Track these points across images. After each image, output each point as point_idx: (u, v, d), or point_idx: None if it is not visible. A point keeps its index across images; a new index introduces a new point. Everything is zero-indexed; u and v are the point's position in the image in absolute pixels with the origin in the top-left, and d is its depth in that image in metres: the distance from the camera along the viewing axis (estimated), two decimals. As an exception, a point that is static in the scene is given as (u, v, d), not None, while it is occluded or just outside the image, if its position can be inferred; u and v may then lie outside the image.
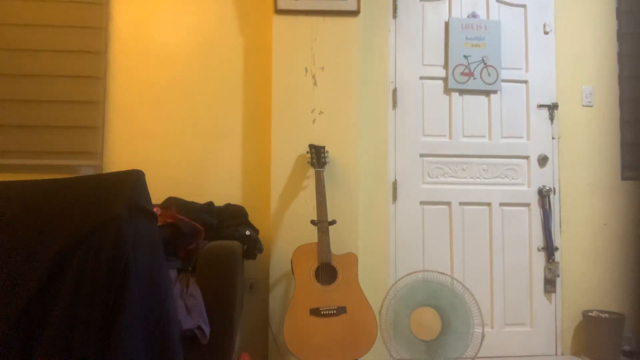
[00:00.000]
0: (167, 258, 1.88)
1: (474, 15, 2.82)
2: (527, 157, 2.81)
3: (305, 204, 2.48)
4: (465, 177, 2.78)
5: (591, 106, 2.87)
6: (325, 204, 2.28)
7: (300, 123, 2.51)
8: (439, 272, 2.05)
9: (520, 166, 2.81)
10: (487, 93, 2.81)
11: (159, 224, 1.90)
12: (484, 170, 2.79)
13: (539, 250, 2.76)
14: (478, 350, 1.95)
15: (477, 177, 2.78)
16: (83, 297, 0.85)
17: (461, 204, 2.75)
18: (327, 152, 2.47)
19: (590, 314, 2.68)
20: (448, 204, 2.75)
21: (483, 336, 1.93)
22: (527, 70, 2.84)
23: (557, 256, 2.76)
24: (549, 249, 2.75)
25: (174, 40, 2.65)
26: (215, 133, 2.64)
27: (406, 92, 2.77)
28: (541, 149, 2.81)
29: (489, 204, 2.77)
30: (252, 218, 2.45)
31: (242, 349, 2.51)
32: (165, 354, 0.98)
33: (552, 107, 2.83)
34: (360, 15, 2.59)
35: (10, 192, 1.03)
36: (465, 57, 2.78)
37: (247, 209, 2.44)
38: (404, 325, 2.05)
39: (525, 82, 2.84)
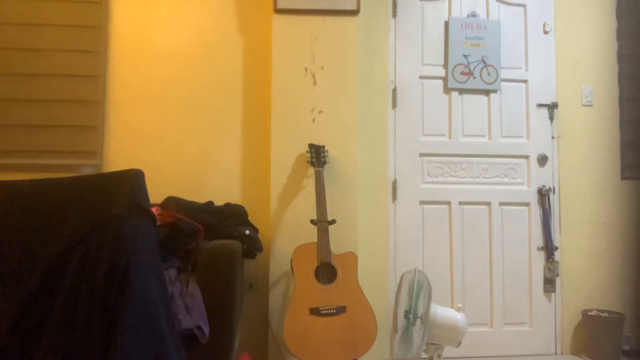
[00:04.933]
0: (166, 257, 1.88)
1: (473, 15, 2.82)
2: (526, 157, 2.81)
3: (305, 204, 2.48)
4: (464, 177, 2.78)
5: (591, 106, 2.87)
6: (325, 203, 2.27)
7: (300, 122, 2.51)
8: (418, 269, 2.11)
9: (519, 166, 2.81)
10: (486, 92, 2.81)
11: (158, 223, 1.90)
12: (483, 169, 2.79)
13: (538, 249, 2.76)
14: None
15: (476, 177, 2.78)
16: (83, 296, 0.85)
17: (461, 203, 2.75)
18: (327, 151, 2.47)
19: (589, 313, 2.68)
20: (448, 203, 2.75)
21: (424, 317, 1.96)
22: (526, 70, 2.84)
23: (557, 255, 2.76)
24: (549, 249, 2.75)
25: (173, 39, 2.65)
26: (215, 132, 2.64)
27: (406, 92, 2.77)
28: (541, 148, 2.81)
29: (488, 204, 2.77)
30: (252, 217, 2.45)
31: (242, 348, 2.51)
32: (163, 353, 0.98)
33: (552, 107, 2.83)
34: (360, 14, 2.59)
35: (9, 192, 1.03)
36: (465, 56, 2.78)
37: (247, 209, 2.43)
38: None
39: (525, 81, 2.84)
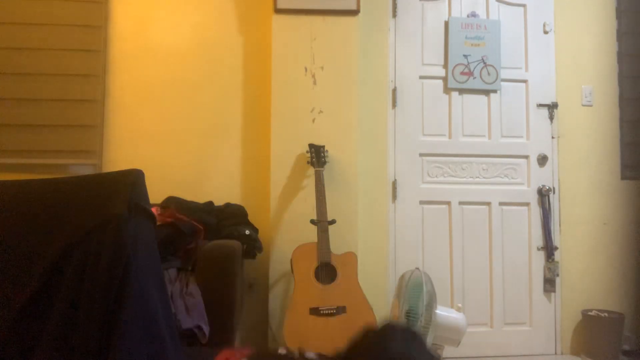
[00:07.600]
0: (166, 257, 1.88)
1: (473, 15, 2.82)
2: (526, 157, 2.81)
3: (304, 204, 2.48)
4: (464, 177, 2.77)
5: (591, 106, 2.87)
6: (325, 203, 2.27)
7: (299, 122, 2.51)
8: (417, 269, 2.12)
9: (519, 165, 2.81)
10: (486, 92, 2.81)
11: (158, 223, 1.90)
12: (483, 169, 2.79)
13: (538, 249, 2.76)
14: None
15: (476, 177, 2.78)
16: (83, 297, 0.85)
17: (461, 203, 2.75)
18: (327, 151, 2.47)
19: (589, 313, 2.68)
20: (448, 203, 2.75)
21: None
22: (526, 70, 2.84)
23: (557, 255, 2.76)
24: (549, 249, 2.75)
25: (173, 39, 2.65)
26: (215, 132, 2.64)
27: (406, 92, 2.77)
28: (541, 148, 2.81)
29: (488, 204, 2.77)
30: (252, 217, 2.44)
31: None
32: (163, 354, 0.98)
33: (552, 107, 2.83)
34: (360, 14, 2.59)
35: (9, 192, 1.03)
36: (465, 56, 2.78)
37: (247, 209, 2.43)
38: None
39: (525, 81, 2.83)
